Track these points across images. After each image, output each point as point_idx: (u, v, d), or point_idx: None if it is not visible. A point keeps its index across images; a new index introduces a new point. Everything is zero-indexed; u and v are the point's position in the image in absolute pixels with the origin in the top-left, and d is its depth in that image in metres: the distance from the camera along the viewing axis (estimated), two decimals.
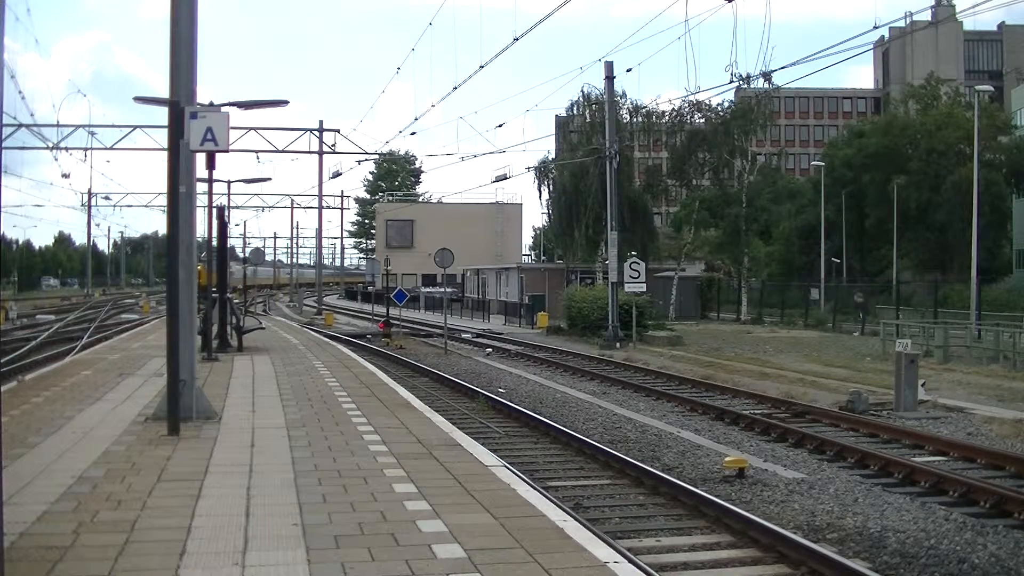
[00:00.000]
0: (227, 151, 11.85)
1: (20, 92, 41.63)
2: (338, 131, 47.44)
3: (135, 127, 47.76)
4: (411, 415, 11.68)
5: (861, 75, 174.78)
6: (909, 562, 8.23)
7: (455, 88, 48.05)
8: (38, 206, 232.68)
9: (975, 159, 40.50)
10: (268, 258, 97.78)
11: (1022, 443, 14.12)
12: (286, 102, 19.63)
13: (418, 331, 39.08)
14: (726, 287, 61.17)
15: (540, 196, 54.76)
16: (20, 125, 37.59)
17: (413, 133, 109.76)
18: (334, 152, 47.70)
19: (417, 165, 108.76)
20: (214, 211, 23.48)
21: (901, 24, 33.11)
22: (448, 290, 54.62)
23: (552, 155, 56.56)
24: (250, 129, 41.88)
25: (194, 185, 11.91)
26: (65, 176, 70.83)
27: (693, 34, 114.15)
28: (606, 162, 37.01)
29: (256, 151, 45.63)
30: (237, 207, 68.07)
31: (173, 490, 7.37)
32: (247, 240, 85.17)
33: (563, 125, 56.20)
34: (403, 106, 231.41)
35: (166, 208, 10.75)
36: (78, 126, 42.52)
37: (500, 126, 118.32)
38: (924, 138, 59.78)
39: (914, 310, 40.51)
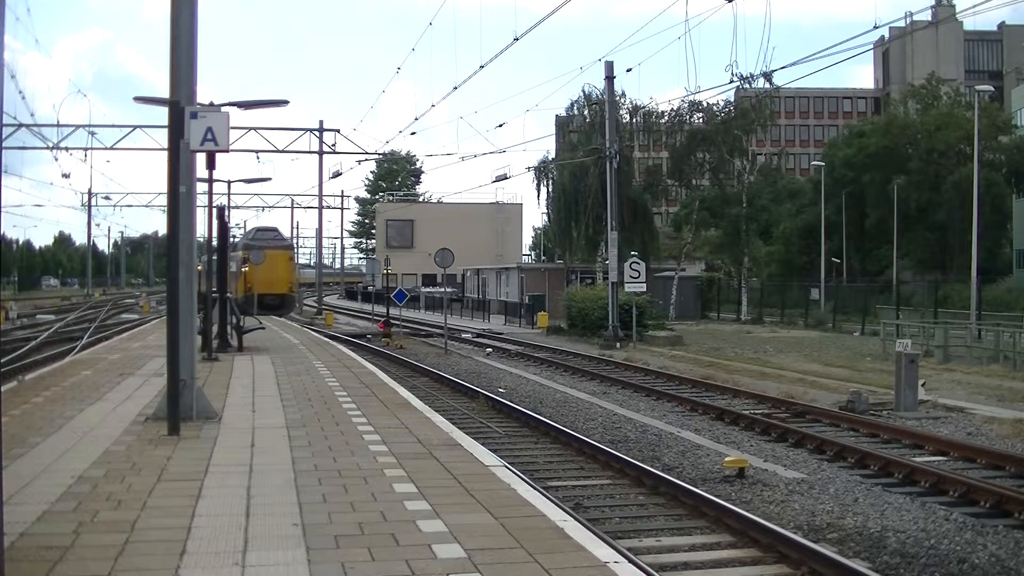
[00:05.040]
0: (227, 151, 11.85)
1: (20, 92, 41.68)
2: (338, 131, 47.46)
3: (135, 127, 47.91)
4: (411, 415, 11.67)
5: (861, 75, 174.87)
6: (909, 562, 8.24)
7: (455, 88, 48.05)
8: (38, 206, 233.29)
9: (975, 159, 40.49)
10: None
11: (1022, 443, 14.12)
12: (286, 102, 19.59)
13: (418, 331, 39.08)
14: (726, 287, 61.18)
15: (540, 196, 54.77)
16: (20, 125, 37.65)
17: (413, 133, 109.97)
18: (334, 152, 47.74)
19: (417, 165, 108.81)
20: (214, 211, 23.49)
21: (901, 24, 33.17)
22: (448, 290, 54.61)
23: (552, 155, 56.58)
24: (250, 129, 41.93)
25: (194, 185, 11.90)
26: (65, 176, 70.88)
27: (693, 34, 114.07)
28: (606, 162, 37.01)
29: (256, 151, 45.70)
30: (237, 207, 68.01)
31: (173, 490, 7.36)
32: None
33: (563, 125, 56.18)
34: (403, 106, 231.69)
35: (166, 208, 10.75)
36: (78, 126, 42.60)
37: (500, 126, 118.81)
38: (924, 138, 59.79)
39: (914, 310, 40.52)
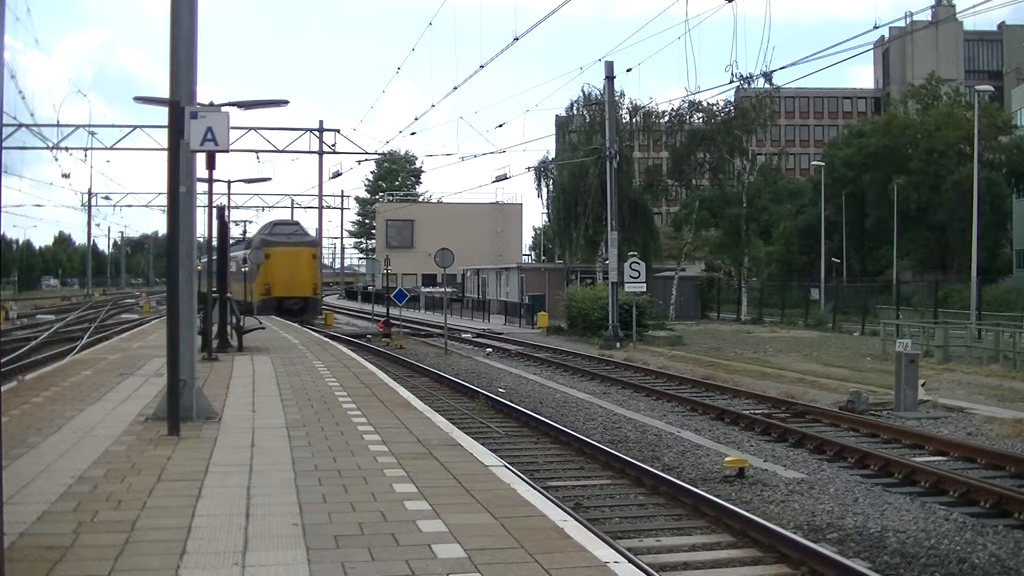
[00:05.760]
0: (227, 151, 11.84)
1: (20, 92, 41.67)
2: (338, 131, 47.52)
3: (135, 127, 47.93)
4: (411, 415, 11.66)
5: (861, 75, 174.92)
6: (909, 562, 8.24)
7: (455, 88, 48.33)
8: (38, 206, 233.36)
9: (975, 159, 40.52)
10: None
11: (1022, 443, 14.12)
12: (286, 102, 19.60)
13: (418, 331, 39.07)
14: (726, 287, 61.22)
15: (540, 196, 54.82)
16: (20, 125, 37.70)
17: (413, 133, 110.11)
18: (334, 152, 47.79)
19: (417, 165, 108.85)
20: (214, 211, 23.49)
21: (901, 24, 33.21)
22: (448, 290, 54.59)
23: (552, 155, 56.61)
24: (250, 129, 41.98)
25: (194, 185, 11.89)
26: (65, 176, 70.93)
27: (693, 34, 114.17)
28: (606, 162, 37.03)
29: (256, 151, 45.74)
30: (237, 207, 67.90)
31: (173, 490, 7.36)
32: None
33: (563, 125, 56.20)
34: (403, 106, 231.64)
35: (166, 208, 10.74)
36: (78, 126, 42.69)
37: (500, 126, 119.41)
38: (924, 138, 59.82)
39: (914, 310, 40.54)
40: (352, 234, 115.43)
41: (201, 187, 16.66)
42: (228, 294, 22.40)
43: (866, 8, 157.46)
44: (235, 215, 60.40)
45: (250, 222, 63.21)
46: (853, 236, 62.69)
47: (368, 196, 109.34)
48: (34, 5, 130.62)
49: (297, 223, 49.81)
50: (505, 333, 38.99)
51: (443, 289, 54.09)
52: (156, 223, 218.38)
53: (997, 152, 58.80)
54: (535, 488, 8.02)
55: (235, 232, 47.93)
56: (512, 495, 7.36)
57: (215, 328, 20.27)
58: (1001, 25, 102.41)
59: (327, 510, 6.73)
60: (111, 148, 44.73)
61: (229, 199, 39.62)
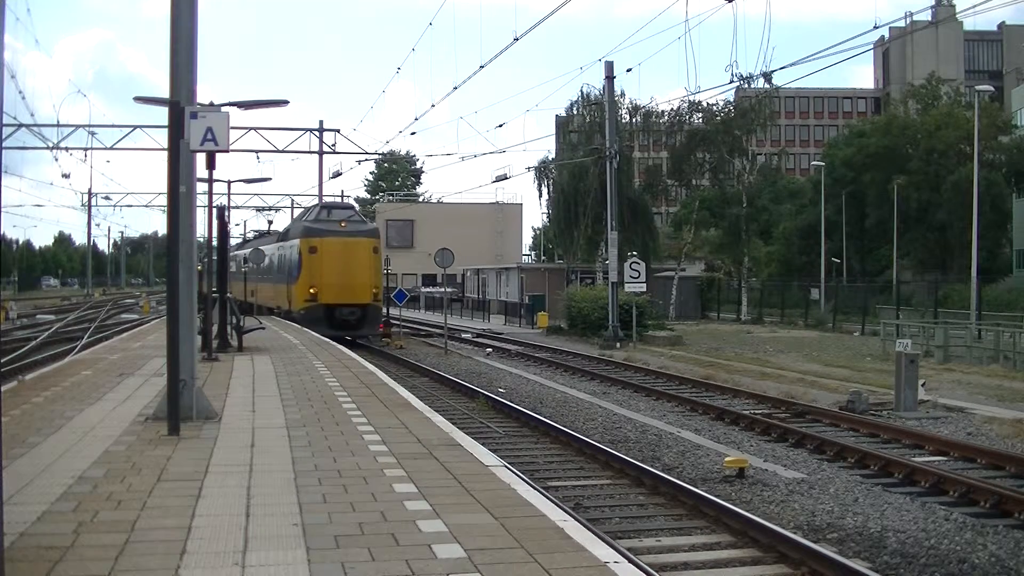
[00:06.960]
0: (227, 151, 11.81)
1: (20, 92, 41.66)
2: (338, 131, 47.25)
3: (135, 127, 47.64)
4: (411, 415, 11.66)
5: (861, 75, 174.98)
6: (909, 562, 8.24)
7: (455, 88, 48.28)
8: (38, 206, 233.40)
9: (975, 159, 40.51)
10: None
11: (1022, 443, 14.12)
12: (286, 102, 19.59)
13: (418, 331, 39.08)
14: (726, 287, 61.23)
15: (540, 196, 54.85)
16: (20, 125, 37.58)
17: (413, 133, 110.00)
18: (334, 152, 47.55)
19: (417, 165, 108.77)
20: (214, 211, 23.51)
21: (901, 24, 33.21)
22: (448, 290, 54.57)
23: (552, 155, 56.62)
24: (250, 129, 41.82)
25: (194, 185, 11.87)
26: (65, 176, 70.80)
27: (693, 34, 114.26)
28: (606, 162, 37.04)
29: (256, 151, 45.54)
30: (237, 207, 67.69)
31: (173, 490, 7.36)
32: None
33: (563, 125, 56.21)
34: (403, 106, 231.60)
35: (166, 208, 10.73)
36: (78, 126, 42.49)
37: (500, 126, 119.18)
38: (924, 138, 59.81)
39: (914, 310, 40.56)
40: None
41: (201, 187, 16.64)
42: (228, 294, 22.40)
43: (866, 8, 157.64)
44: (235, 215, 60.14)
45: (279, 210, 62.08)
46: (853, 236, 62.70)
47: (368, 196, 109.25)
48: (34, 5, 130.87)
49: (352, 206, 39.93)
50: (505, 333, 39.00)
51: (443, 289, 54.08)
52: (156, 223, 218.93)
53: (997, 152, 58.78)
54: (535, 488, 8.02)
55: (237, 231, 47.32)
56: (512, 495, 7.36)
57: (215, 328, 20.28)
58: (1001, 25, 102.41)
59: (327, 510, 6.73)
60: (111, 148, 44.55)
61: (229, 199, 39.53)
